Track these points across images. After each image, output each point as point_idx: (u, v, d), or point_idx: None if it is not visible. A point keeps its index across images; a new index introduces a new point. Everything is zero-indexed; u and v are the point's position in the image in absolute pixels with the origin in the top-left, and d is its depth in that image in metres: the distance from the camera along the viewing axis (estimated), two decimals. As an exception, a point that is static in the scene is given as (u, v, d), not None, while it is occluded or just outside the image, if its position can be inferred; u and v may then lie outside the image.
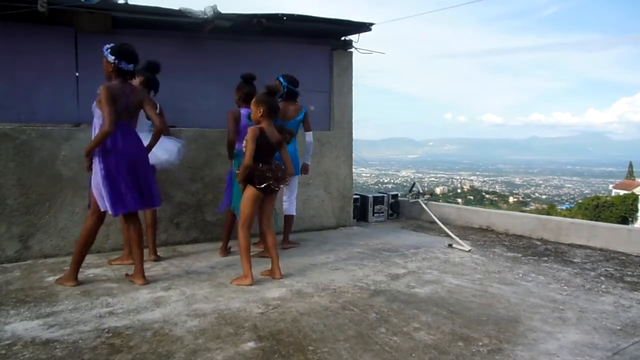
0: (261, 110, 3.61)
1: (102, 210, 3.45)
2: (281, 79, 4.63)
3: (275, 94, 3.76)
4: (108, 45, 3.42)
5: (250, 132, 3.54)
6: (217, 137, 5.09)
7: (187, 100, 5.15)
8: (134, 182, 3.46)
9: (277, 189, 3.67)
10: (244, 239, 3.61)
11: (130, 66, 3.43)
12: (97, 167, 3.39)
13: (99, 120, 3.43)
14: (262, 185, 3.55)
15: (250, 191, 3.60)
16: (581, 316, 3.05)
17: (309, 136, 4.86)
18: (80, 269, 3.98)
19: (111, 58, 3.37)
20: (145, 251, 4.00)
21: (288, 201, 4.91)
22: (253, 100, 3.68)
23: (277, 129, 3.71)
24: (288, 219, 4.92)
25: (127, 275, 3.71)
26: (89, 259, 4.29)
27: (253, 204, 3.63)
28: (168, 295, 3.34)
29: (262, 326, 2.81)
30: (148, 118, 3.90)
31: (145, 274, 3.81)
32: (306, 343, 2.59)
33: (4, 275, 3.84)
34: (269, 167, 3.59)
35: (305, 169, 4.95)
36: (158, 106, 3.90)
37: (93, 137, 3.43)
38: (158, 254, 4.36)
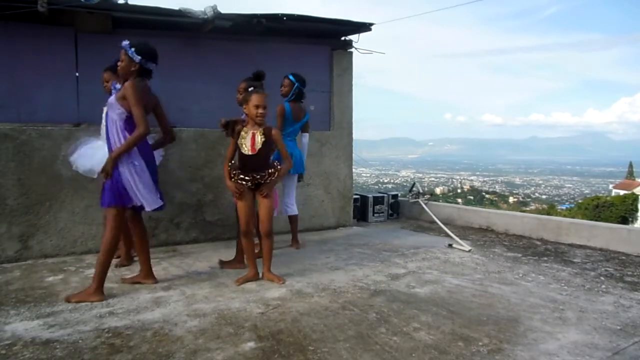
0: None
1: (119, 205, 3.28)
2: (292, 78, 4.63)
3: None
4: (128, 42, 3.28)
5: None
6: (217, 137, 5.09)
7: (187, 100, 5.15)
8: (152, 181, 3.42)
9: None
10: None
11: (153, 65, 3.37)
12: (130, 165, 3.23)
13: (119, 117, 3.25)
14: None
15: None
16: (581, 316, 3.05)
17: (306, 137, 4.93)
18: (81, 269, 4.01)
19: (137, 58, 3.26)
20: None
21: (292, 202, 4.87)
22: (265, 97, 3.59)
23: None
24: (291, 219, 4.92)
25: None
26: (89, 259, 4.30)
27: None
28: (168, 295, 3.34)
29: (262, 326, 2.81)
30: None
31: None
32: (306, 343, 2.59)
33: (4, 275, 3.84)
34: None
35: (301, 177, 4.98)
36: None
37: (123, 138, 3.23)
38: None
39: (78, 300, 3.18)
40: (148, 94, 3.37)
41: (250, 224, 3.63)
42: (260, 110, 3.52)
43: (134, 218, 3.56)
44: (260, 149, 3.54)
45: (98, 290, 3.24)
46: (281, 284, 3.59)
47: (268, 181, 3.61)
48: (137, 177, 3.27)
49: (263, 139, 3.54)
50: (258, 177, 3.59)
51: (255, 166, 3.60)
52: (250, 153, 3.55)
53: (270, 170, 3.62)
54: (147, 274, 3.60)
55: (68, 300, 3.20)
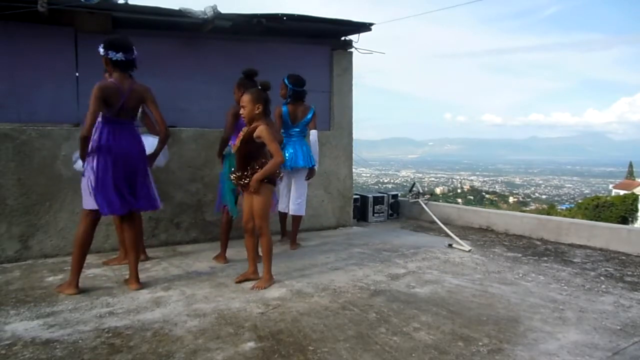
0: (260, 107, 3.46)
1: (88, 208, 3.38)
2: (286, 81, 4.60)
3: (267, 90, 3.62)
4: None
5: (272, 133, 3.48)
6: (217, 137, 5.05)
7: (187, 100, 5.15)
8: (124, 182, 3.36)
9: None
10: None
11: (119, 55, 3.27)
12: (88, 165, 3.32)
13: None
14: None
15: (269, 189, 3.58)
16: (581, 316, 3.05)
17: (314, 134, 4.81)
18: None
19: (102, 51, 3.29)
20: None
21: (298, 201, 4.79)
22: (251, 96, 3.46)
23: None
24: (294, 218, 4.88)
25: (125, 281, 3.66)
26: (89, 258, 4.27)
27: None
28: (168, 295, 3.34)
29: (262, 326, 2.81)
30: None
31: (146, 274, 3.83)
32: (306, 343, 2.59)
33: (4, 275, 3.84)
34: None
35: (311, 173, 4.83)
36: None
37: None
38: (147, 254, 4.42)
39: (59, 291, 3.38)
40: (117, 92, 3.29)
41: (249, 221, 3.61)
42: (241, 110, 3.53)
43: (123, 222, 3.55)
44: (239, 147, 3.50)
45: (72, 284, 3.38)
46: (271, 286, 3.55)
47: (247, 180, 3.49)
48: (86, 175, 3.36)
49: (241, 137, 3.49)
50: (239, 174, 3.51)
51: (238, 163, 3.55)
52: (233, 151, 3.62)
53: (248, 169, 3.48)
54: (132, 279, 3.53)
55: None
